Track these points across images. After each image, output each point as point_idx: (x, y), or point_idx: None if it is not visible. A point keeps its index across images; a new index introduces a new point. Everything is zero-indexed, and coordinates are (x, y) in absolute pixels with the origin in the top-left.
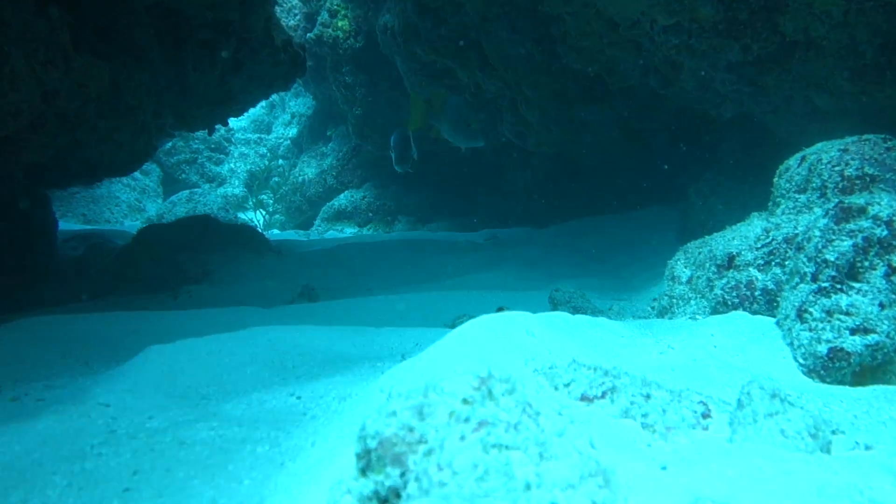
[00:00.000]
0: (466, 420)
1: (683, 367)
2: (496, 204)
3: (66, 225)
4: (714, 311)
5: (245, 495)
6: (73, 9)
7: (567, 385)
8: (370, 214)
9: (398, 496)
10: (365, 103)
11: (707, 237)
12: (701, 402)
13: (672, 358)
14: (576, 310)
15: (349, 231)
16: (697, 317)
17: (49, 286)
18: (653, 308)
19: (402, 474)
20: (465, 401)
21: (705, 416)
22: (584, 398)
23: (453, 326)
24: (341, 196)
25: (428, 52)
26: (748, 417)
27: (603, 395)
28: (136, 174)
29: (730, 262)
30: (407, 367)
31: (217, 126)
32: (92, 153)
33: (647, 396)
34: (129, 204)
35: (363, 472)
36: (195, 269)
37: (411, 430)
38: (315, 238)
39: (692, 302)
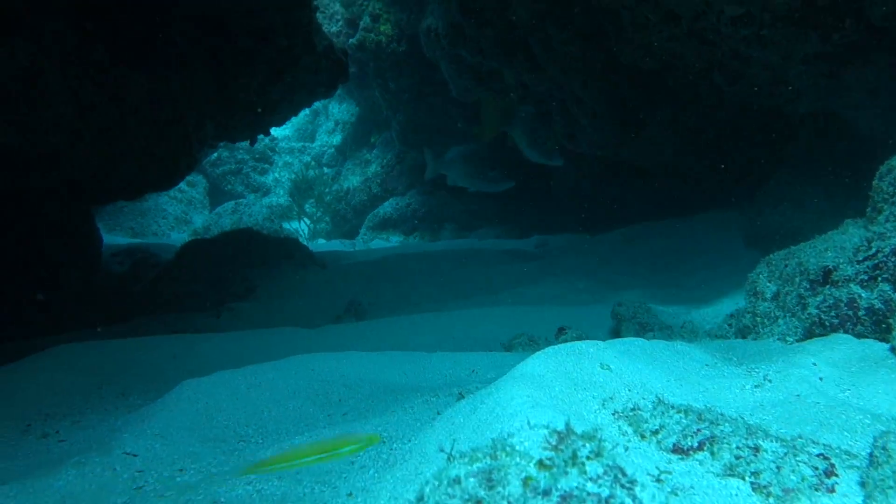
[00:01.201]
0: (546, 493)
1: (786, 405)
2: (546, 209)
3: (114, 238)
4: (808, 333)
5: None
6: (109, 20)
7: (655, 432)
8: (416, 222)
9: None
10: (409, 108)
11: (793, 248)
12: (821, 454)
13: (770, 393)
14: (642, 326)
15: (395, 240)
16: (788, 339)
17: (92, 305)
18: (730, 325)
19: None
20: (541, 464)
21: (828, 473)
22: (676, 449)
23: (510, 347)
24: (386, 204)
25: (473, 54)
26: (888, 479)
27: (700, 447)
28: (183, 186)
29: (825, 276)
30: (467, 411)
31: (259, 136)
32: (132, 167)
33: (756, 449)
34: (176, 216)
35: None
36: (238, 285)
37: (479, 503)
38: (360, 248)
39: (780, 321)
